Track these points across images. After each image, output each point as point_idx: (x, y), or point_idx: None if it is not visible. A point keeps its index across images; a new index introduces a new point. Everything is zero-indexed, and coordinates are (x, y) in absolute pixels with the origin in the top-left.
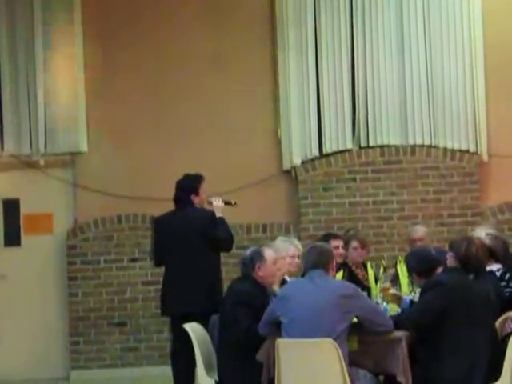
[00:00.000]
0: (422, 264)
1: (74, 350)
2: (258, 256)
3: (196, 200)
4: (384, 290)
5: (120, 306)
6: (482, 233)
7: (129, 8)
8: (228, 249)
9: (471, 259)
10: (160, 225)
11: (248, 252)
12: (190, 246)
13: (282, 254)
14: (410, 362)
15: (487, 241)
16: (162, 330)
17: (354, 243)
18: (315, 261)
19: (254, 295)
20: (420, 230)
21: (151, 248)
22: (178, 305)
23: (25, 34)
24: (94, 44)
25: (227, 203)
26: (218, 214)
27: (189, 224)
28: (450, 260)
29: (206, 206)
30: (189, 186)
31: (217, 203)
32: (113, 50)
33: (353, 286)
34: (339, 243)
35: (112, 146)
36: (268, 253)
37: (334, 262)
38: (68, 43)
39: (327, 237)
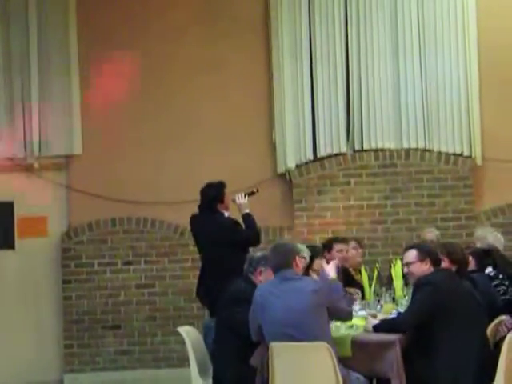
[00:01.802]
0: (436, 252)
1: (68, 353)
2: (264, 262)
3: (222, 207)
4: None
5: (114, 309)
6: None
7: (123, 11)
8: (255, 244)
9: (464, 262)
10: (191, 224)
11: (259, 253)
12: (214, 250)
13: None
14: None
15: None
16: (156, 334)
17: (353, 243)
18: (280, 261)
19: (250, 294)
20: (433, 233)
21: None
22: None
23: (19, 36)
24: (88, 46)
25: (250, 194)
26: (244, 211)
27: (212, 230)
28: (446, 264)
29: (231, 206)
30: (214, 195)
31: (240, 201)
32: (107, 51)
33: (320, 280)
34: (344, 247)
35: (106, 148)
36: None
37: (299, 259)
38: (62, 46)
39: (331, 241)
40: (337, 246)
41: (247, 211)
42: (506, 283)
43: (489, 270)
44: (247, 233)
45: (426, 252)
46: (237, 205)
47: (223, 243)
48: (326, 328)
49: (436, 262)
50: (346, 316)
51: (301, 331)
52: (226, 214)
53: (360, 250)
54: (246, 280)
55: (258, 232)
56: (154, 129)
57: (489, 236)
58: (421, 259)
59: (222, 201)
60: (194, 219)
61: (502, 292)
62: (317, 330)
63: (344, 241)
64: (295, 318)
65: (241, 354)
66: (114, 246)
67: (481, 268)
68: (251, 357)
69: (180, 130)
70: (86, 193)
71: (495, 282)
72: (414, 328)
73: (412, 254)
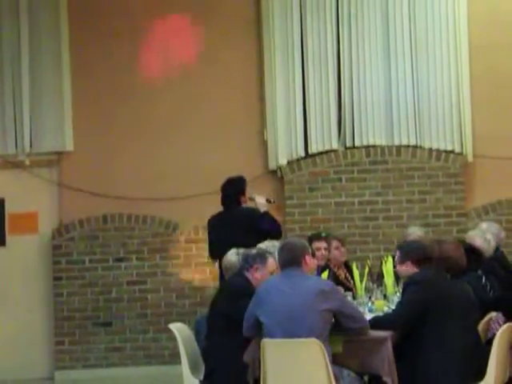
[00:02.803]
0: (419, 251)
1: (59, 350)
2: (261, 259)
3: (243, 199)
4: None
5: (105, 306)
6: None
7: (115, 9)
8: (277, 237)
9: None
10: (211, 224)
11: (254, 251)
12: (238, 242)
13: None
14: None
15: (478, 242)
16: (148, 330)
17: (335, 243)
18: (288, 258)
19: (247, 289)
20: (413, 234)
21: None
22: None
23: (10, 32)
24: (79, 44)
25: (267, 201)
26: (263, 209)
27: (238, 222)
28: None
29: (249, 202)
30: (238, 189)
31: (260, 200)
32: (99, 48)
33: (330, 281)
34: (322, 245)
35: (98, 145)
36: (270, 261)
37: (309, 258)
38: (53, 43)
39: (311, 238)
40: (314, 245)
41: (265, 209)
42: (488, 287)
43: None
44: (271, 224)
45: (406, 253)
46: (256, 203)
47: (246, 232)
48: (327, 329)
49: (419, 261)
50: (362, 326)
51: (303, 329)
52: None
53: (343, 249)
54: (242, 277)
55: (279, 225)
56: (146, 126)
57: (477, 239)
58: (401, 261)
59: (244, 194)
60: (216, 218)
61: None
62: (318, 330)
63: (323, 239)
64: (300, 315)
65: (234, 350)
66: (105, 242)
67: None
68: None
69: (172, 127)
70: (77, 189)
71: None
72: (404, 328)
73: (397, 255)
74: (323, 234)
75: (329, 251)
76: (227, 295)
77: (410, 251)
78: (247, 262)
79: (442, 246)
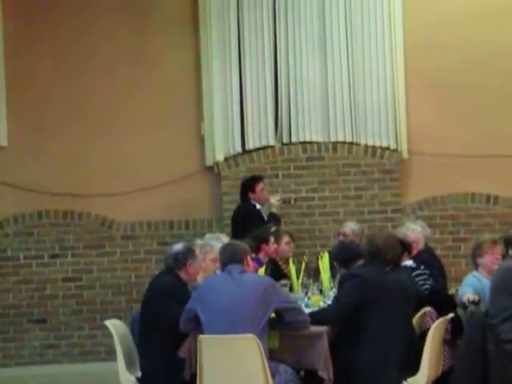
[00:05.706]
0: (340, 254)
1: None
2: (191, 253)
3: (253, 197)
4: None
5: (40, 303)
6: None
7: (49, 3)
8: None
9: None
10: None
11: (180, 247)
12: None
13: (212, 256)
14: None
15: (411, 235)
16: (83, 327)
17: (286, 238)
18: (230, 256)
19: (177, 288)
20: (346, 226)
21: None
22: None
23: None
24: (14, 38)
25: (285, 201)
26: (270, 210)
27: (233, 216)
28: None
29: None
30: (245, 185)
31: (272, 200)
32: (34, 43)
33: (269, 278)
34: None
35: (32, 140)
36: (197, 250)
37: (250, 260)
38: None
39: (277, 232)
40: (285, 239)
41: (273, 211)
42: (428, 272)
43: (409, 262)
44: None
45: (333, 259)
46: (269, 203)
47: (233, 226)
48: (267, 325)
49: (343, 263)
50: (306, 318)
51: (244, 325)
52: (258, 206)
53: (292, 245)
54: (173, 275)
55: None
56: (81, 121)
57: (409, 233)
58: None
59: (253, 190)
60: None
61: (421, 282)
62: (258, 326)
63: (275, 235)
64: (242, 312)
65: (166, 348)
66: (40, 238)
67: None
68: (178, 349)
69: (106, 122)
70: (12, 185)
71: (416, 272)
72: (338, 323)
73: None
74: (272, 229)
75: (278, 245)
76: (154, 294)
77: (334, 254)
78: (179, 261)
79: (376, 240)
